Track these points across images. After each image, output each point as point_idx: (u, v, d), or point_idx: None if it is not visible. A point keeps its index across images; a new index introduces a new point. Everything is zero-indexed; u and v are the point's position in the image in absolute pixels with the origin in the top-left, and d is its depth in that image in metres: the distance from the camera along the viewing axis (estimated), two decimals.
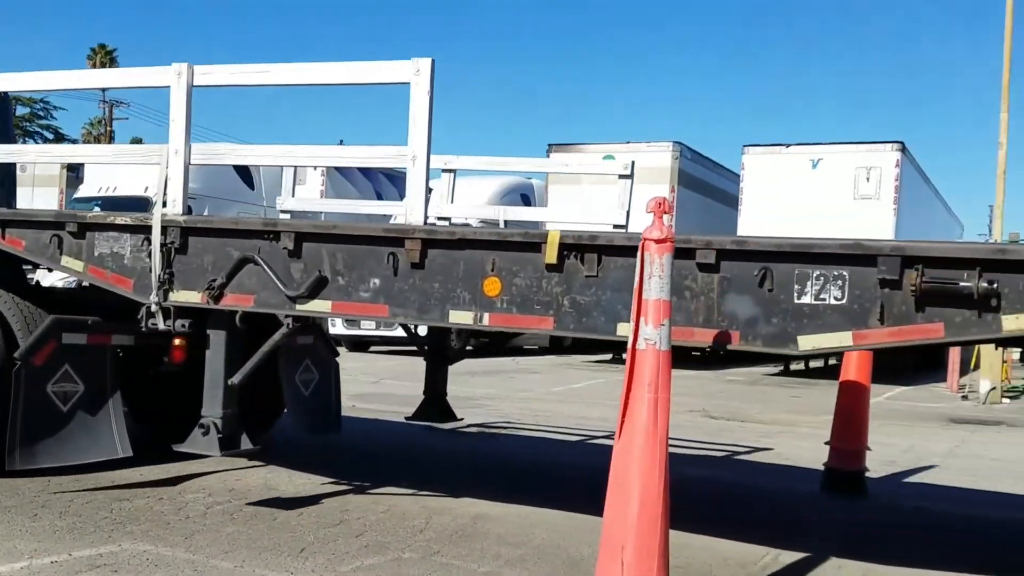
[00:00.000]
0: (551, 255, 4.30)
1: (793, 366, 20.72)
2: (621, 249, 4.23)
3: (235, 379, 5.33)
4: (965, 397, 16.02)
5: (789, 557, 4.85)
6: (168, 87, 5.28)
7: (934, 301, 3.75)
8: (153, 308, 5.26)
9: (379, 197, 18.36)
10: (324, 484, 6.07)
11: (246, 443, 5.47)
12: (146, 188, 13.86)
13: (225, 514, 5.19)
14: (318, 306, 4.89)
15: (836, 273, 3.87)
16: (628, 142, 18.22)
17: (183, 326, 5.36)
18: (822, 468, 6.95)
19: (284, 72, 5.30)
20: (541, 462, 7.62)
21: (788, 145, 18.30)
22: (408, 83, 4.69)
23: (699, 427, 10.25)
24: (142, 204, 12.68)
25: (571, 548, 4.82)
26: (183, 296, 5.23)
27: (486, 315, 4.48)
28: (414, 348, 19.34)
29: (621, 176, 7.68)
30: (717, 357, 20.68)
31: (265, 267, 4.95)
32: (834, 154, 17.90)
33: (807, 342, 3.91)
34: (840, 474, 6.81)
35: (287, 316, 5.14)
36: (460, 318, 4.52)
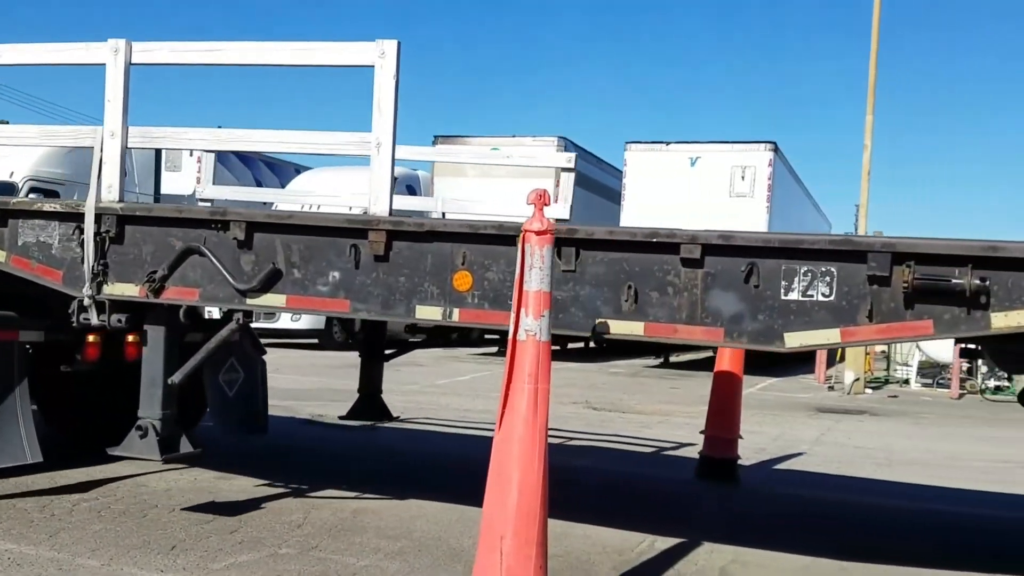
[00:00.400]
0: None
1: (673, 358, 21.32)
2: (601, 243, 4.13)
3: (175, 378, 5.01)
4: (831, 387, 16.83)
5: (664, 543, 4.98)
6: (104, 64, 4.93)
7: (924, 298, 3.72)
8: (86, 302, 4.90)
9: (258, 184, 17.83)
10: (197, 480, 5.89)
11: (186, 446, 5.14)
12: (11, 173, 13.03)
13: (92, 512, 4.97)
14: (271, 300, 4.63)
15: (824, 269, 3.83)
16: (514, 135, 18.32)
17: (119, 321, 4.99)
18: (697, 456, 7.18)
19: (236, 51, 4.94)
20: (424, 454, 7.60)
21: (668, 143, 18.76)
22: (372, 66, 4.48)
23: (582, 418, 10.42)
24: (8, 189, 11.99)
25: (452, 539, 4.82)
26: (119, 289, 4.89)
27: (456, 310, 4.29)
28: (303, 340, 18.84)
29: (564, 169, 7.54)
30: (600, 349, 21.11)
31: (212, 258, 4.66)
32: (711, 153, 18.47)
33: (794, 339, 3.87)
34: (714, 462, 7.04)
35: (236, 311, 4.86)
36: (428, 314, 4.34)
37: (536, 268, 3.48)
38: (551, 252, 3.53)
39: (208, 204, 7.24)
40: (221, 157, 18.63)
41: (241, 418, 6.09)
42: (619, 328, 4.10)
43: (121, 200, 4.98)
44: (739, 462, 7.20)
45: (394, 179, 4.64)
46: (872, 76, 17.98)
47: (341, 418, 7.16)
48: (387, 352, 7.85)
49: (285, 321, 16.40)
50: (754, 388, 15.61)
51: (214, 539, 4.60)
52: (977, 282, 3.60)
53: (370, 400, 7.08)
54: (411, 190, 18.17)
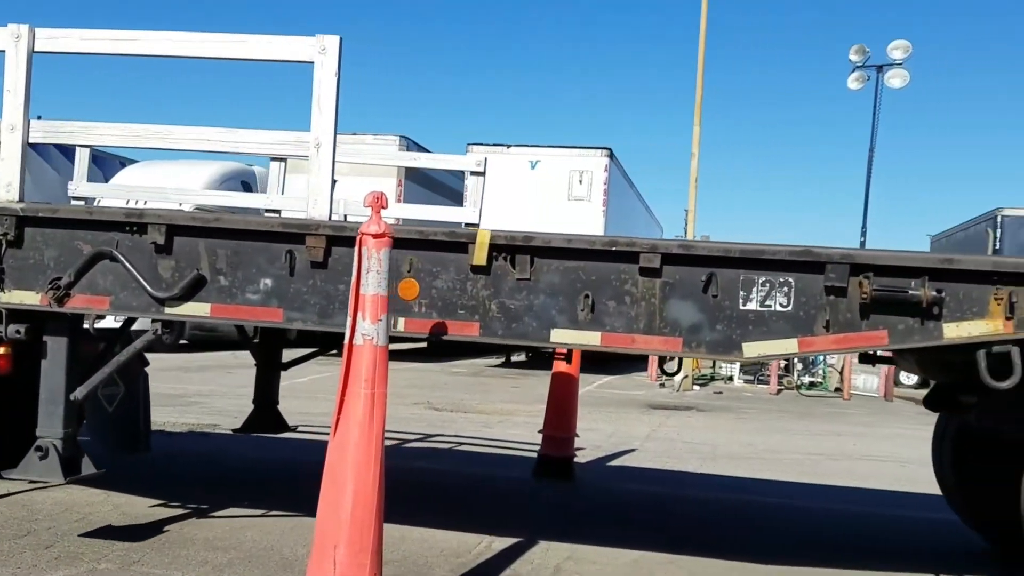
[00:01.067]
0: (480, 256, 4.03)
1: (515, 357, 21.62)
2: (558, 251, 4.03)
3: (77, 394, 4.60)
4: (663, 385, 17.53)
5: (502, 543, 5.05)
6: (2, 52, 4.50)
7: (880, 309, 3.79)
8: None
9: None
10: (9, 494, 5.50)
11: (88, 467, 4.70)
12: None
13: None
14: (193, 309, 4.33)
15: (782, 280, 3.85)
16: (355, 133, 18.08)
17: (17, 332, 4.55)
18: (535, 455, 7.31)
19: (151, 41, 4.52)
20: (255, 460, 7.38)
21: (509, 146, 19.03)
22: (312, 62, 4.28)
23: (423, 419, 10.41)
24: None
25: (285, 549, 4.70)
26: (18, 297, 4.45)
27: (401, 320, 4.12)
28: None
29: (474, 173, 7.38)
30: (442, 349, 21.14)
31: (126, 264, 4.31)
32: (551, 157, 18.88)
33: (752, 349, 3.88)
34: (551, 461, 7.20)
35: (154, 320, 4.51)
36: None
37: (373, 271, 3.45)
38: (388, 255, 3.50)
39: (82, 203, 6.72)
40: (40, 149, 17.46)
41: (121, 436, 5.60)
42: (575, 338, 4.07)
43: (21, 200, 4.56)
44: (576, 460, 7.39)
45: (334, 181, 4.46)
46: (699, 87, 18.84)
47: (235, 431, 6.83)
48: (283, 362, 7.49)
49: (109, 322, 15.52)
50: (592, 386, 16.07)
51: (28, 555, 4.32)
52: (934, 293, 3.73)
53: (266, 411, 6.77)
54: (246, 186, 17.60)
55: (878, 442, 11.06)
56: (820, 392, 18.21)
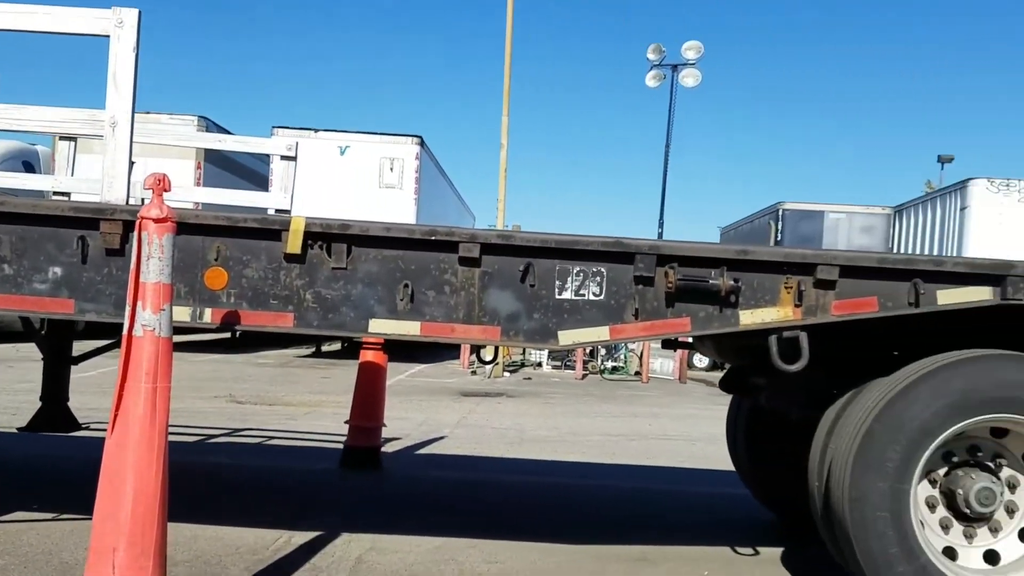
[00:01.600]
0: (294, 244, 3.85)
1: (326, 347, 21.17)
2: (376, 240, 3.92)
3: None
4: (474, 372, 17.69)
5: (302, 538, 4.89)
6: None
7: (683, 297, 3.96)
8: None
9: None
10: None
11: None
12: None
13: None
14: None
15: (595, 269, 3.95)
16: (148, 112, 17.05)
17: None
18: (342, 447, 7.14)
19: None
20: (42, 460, 6.80)
21: (317, 130, 18.54)
22: (108, 36, 3.98)
23: (223, 413, 9.97)
24: None
25: (65, 553, 4.36)
26: None
27: (207, 310, 3.89)
28: None
29: (284, 158, 6.96)
30: (249, 339, 20.40)
31: None
32: (361, 143, 18.56)
33: (567, 337, 3.96)
34: (358, 451, 7.06)
35: None
36: (174, 314, 3.78)
37: (155, 258, 3.23)
38: (171, 241, 3.27)
39: None
40: None
41: None
42: (394, 328, 3.99)
43: None
44: (383, 449, 7.29)
45: (131, 163, 4.12)
46: (507, 80, 19.09)
47: (20, 430, 6.18)
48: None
49: None
50: (403, 375, 15.98)
51: None
52: (731, 282, 3.92)
53: (54, 408, 6.17)
54: (28, 166, 16.25)
55: (672, 422, 11.62)
56: (622, 376, 18.96)
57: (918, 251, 21.80)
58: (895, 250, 23.09)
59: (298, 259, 3.95)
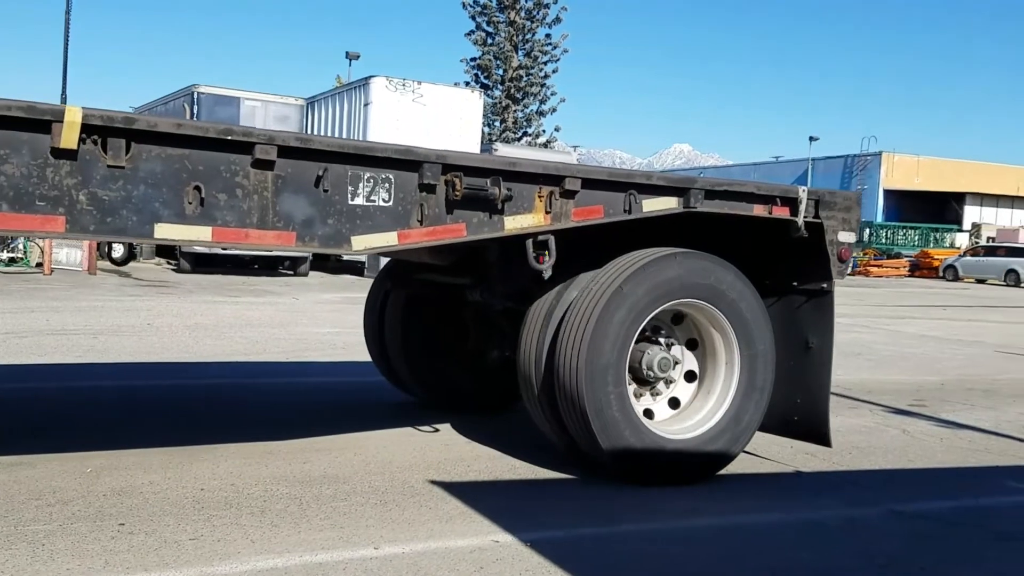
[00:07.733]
0: (68, 138, 3.44)
1: None
2: (160, 137, 3.64)
3: None
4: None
5: None
6: None
7: (462, 204, 4.13)
8: None
9: None
10: None
11: None
12: None
13: None
14: None
15: (384, 176, 4.01)
16: None
17: None
18: None
19: None
20: None
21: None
22: None
23: None
24: None
25: None
26: None
27: None
28: None
29: None
30: None
31: None
32: None
33: (360, 243, 4.03)
34: None
35: None
36: None
37: None
38: None
39: None
40: None
41: None
42: (183, 233, 3.72)
43: None
44: None
45: None
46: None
47: None
48: None
49: None
50: None
51: None
52: (506, 191, 4.28)
53: None
54: None
55: (73, 315, 11.15)
56: (21, 268, 17.82)
57: None
58: None
59: (69, 155, 3.53)
